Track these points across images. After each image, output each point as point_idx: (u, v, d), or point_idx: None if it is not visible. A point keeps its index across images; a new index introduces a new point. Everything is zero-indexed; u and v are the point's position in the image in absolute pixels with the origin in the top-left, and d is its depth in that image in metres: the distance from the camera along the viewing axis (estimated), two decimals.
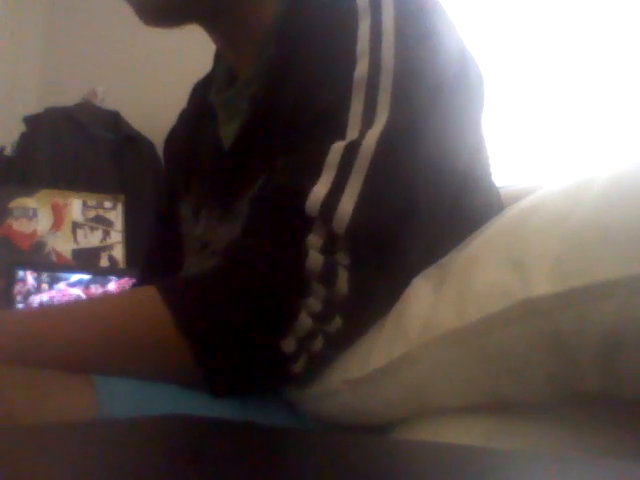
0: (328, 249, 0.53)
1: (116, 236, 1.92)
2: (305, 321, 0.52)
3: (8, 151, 2.05)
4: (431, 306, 0.49)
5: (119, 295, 0.61)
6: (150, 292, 0.55)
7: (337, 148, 0.54)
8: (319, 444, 0.33)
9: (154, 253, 0.89)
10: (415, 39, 0.58)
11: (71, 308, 0.62)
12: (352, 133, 0.55)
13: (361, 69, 0.56)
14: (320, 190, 0.53)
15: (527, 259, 0.43)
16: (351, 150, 0.54)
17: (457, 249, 0.53)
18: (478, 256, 0.48)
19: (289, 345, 0.53)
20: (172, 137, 0.88)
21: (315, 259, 0.52)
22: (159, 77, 2.14)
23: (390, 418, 0.53)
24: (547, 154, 1.53)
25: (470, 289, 0.46)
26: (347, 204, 0.53)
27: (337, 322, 0.53)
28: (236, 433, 0.35)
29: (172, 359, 0.54)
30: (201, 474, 0.24)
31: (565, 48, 1.53)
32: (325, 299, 0.53)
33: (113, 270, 1.85)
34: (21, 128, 2.04)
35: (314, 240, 0.53)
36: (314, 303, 0.52)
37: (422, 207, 0.57)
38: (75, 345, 0.54)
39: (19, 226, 1.84)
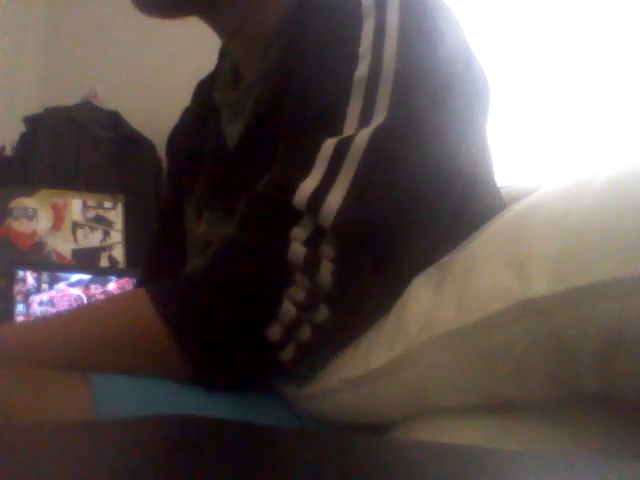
0: (312, 241, 0.53)
1: (116, 236, 1.92)
2: (288, 309, 0.53)
3: (8, 151, 2.05)
4: (431, 306, 0.49)
5: (112, 299, 0.64)
6: (140, 294, 0.57)
7: (329, 143, 0.54)
8: (319, 444, 0.33)
9: (157, 252, 0.88)
10: (419, 40, 0.58)
11: (66, 314, 0.65)
12: (348, 131, 0.55)
13: (362, 68, 0.56)
14: (309, 184, 0.54)
15: (527, 259, 0.43)
16: (343, 146, 0.54)
17: (457, 249, 0.53)
18: (478, 256, 0.48)
19: (274, 333, 0.53)
20: (175, 135, 0.88)
21: (296, 250, 0.53)
22: (159, 77, 2.14)
23: (390, 418, 0.53)
24: (547, 154, 1.53)
25: (470, 289, 0.46)
26: (335, 199, 0.53)
27: (323, 312, 0.54)
28: (235, 433, 0.35)
29: (164, 357, 0.55)
30: (200, 474, 0.24)
31: (565, 48, 1.53)
32: (309, 289, 0.53)
33: (113, 270, 1.85)
34: (21, 128, 2.04)
35: (298, 232, 0.53)
36: (297, 292, 0.53)
37: (420, 206, 0.57)
38: (70, 347, 0.55)
39: (19, 226, 1.84)
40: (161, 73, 2.15)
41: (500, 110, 1.51)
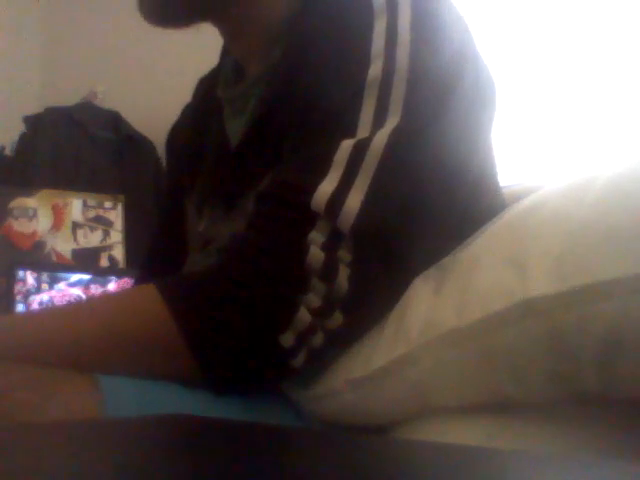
0: (330, 246, 0.53)
1: (116, 236, 1.92)
2: (304, 316, 0.52)
3: (8, 151, 2.06)
4: (432, 306, 0.49)
5: (120, 294, 0.62)
6: (150, 290, 0.55)
7: (346, 146, 0.54)
8: (319, 444, 0.33)
9: (156, 250, 0.88)
10: (430, 41, 0.58)
11: (72, 307, 0.63)
12: (363, 132, 0.54)
13: (375, 69, 0.56)
14: (327, 187, 0.53)
15: (528, 259, 0.43)
16: (360, 148, 0.54)
17: (458, 249, 0.53)
18: (479, 256, 0.48)
19: (288, 340, 0.53)
20: (176, 132, 0.87)
21: (315, 255, 0.52)
22: (159, 77, 2.14)
23: (391, 418, 0.53)
24: (547, 154, 1.53)
25: (471, 289, 0.46)
26: (354, 202, 0.52)
27: (337, 318, 0.53)
28: (237, 433, 0.35)
29: (172, 356, 0.54)
30: (201, 474, 0.24)
31: (566, 49, 1.53)
32: (325, 295, 0.52)
33: (113, 270, 1.85)
34: (21, 128, 2.04)
35: (316, 236, 0.53)
36: (314, 299, 0.52)
37: (431, 209, 0.57)
38: (76, 343, 0.54)
39: (19, 226, 1.84)
40: (161, 73, 2.15)
41: (501, 110, 1.51)
